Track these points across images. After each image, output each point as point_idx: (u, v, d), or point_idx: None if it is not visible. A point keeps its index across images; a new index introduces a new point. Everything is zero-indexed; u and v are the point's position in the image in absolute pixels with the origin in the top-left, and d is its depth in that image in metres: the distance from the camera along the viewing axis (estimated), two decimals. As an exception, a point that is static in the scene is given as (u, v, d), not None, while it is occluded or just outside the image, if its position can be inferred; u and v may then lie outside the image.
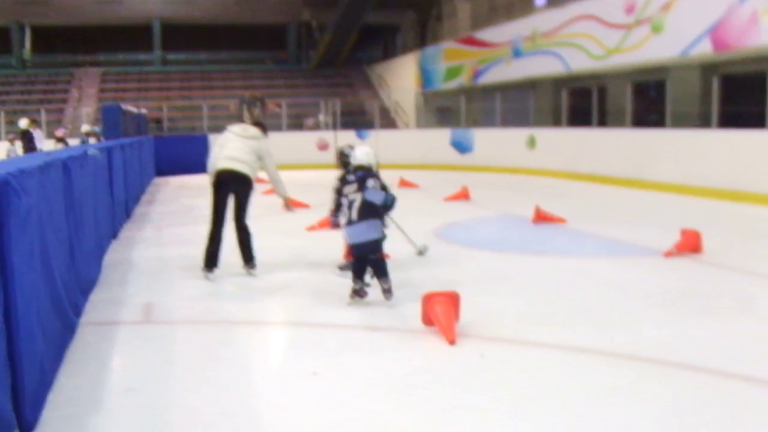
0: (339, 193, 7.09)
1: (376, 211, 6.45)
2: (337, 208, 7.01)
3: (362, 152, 6.87)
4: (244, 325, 6.18)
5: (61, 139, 19.94)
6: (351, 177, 6.64)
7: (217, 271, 7.79)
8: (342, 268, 7.68)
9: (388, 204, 6.50)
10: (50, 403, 4.32)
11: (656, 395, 4.32)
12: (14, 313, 3.82)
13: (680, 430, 3.83)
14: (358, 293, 6.47)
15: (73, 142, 19.92)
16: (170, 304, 6.87)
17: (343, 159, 8.14)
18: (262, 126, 8.29)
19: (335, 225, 7.18)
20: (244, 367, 5.09)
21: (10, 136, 20.41)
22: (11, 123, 23.21)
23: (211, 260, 7.76)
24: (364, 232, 6.42)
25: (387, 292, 6.41)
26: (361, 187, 6.49)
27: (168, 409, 4.31)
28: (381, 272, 6.44)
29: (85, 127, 22.85)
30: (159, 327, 6.20)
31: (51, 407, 4.27)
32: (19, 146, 19.06)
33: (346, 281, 6.62)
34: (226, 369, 5.02)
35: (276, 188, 8.20)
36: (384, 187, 6.55)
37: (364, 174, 6.61)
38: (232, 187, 7.77)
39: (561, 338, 5.40)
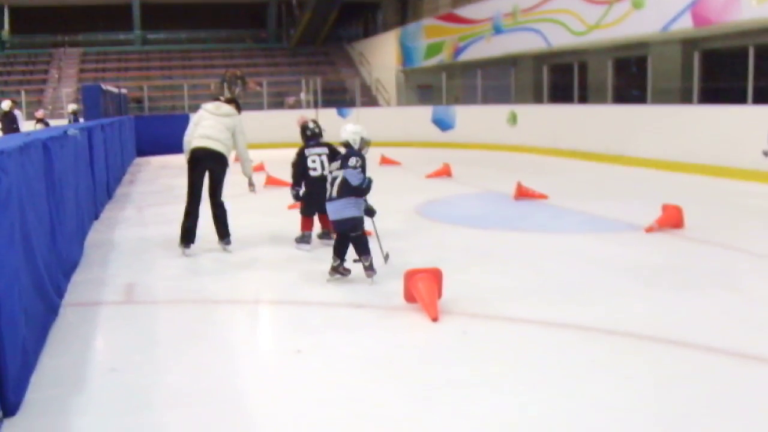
0: (296, 166, 8.10)
1: (355, 189, 6.45)
2: (296, 181, 8.03)
3: (349, 130, 6.82)
4: (226, 303, 6.18)
5: (40, 120, 19.82)
6: (338, 155, 6.71)
7: (194, 247, 7.88)
8: (298, 240, 8.03)
9: (363, 187, 6.49)
10: (33, 384, 4.32)
11: (638, 370, 4.37)
12: (-5, 295, 3.81)
13: (662, 404, 3.87)
14: (338, 270, 6.50)
15: (55, 122, 19.79)
16: (152, 284, 6.86)
17: (305, 133, 8.41)
18: (236, 103, 8.44)
19: (295, 198, 8.07)
20: (227, 346, 5.09)
21: None
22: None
23: (187, 236, 7.86)
24: (343, 208, 6.42)
25: (368, 269, 6.42)
26: (343, 165, 6.51)
27: (151, 388, 4.32)
28: (361, 250, 6.43)
29: (71, 106, 22.70)
30: (141, 307, 6.19)
31: (34, 388, 4.27)
32: None
33: (327, 256, 6.62)
34: (209, 348, 5.02)
35: (243, 167, 8.31)
36: (363, 168, 6.55)
37: (349, 152, 6.64)
38: (207, 165, 7.88)
39: (543, 314, 5.44)
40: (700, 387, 4.11)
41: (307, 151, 8.19)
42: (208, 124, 7.97)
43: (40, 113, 20.83)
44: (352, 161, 6.46)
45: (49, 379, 4.47)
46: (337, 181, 6.46)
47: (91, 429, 3.80)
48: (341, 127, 6.92)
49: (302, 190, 8.05)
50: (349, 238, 6.48)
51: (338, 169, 6.53)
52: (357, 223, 6.46)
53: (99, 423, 3.86)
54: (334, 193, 6.45)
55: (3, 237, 3.94)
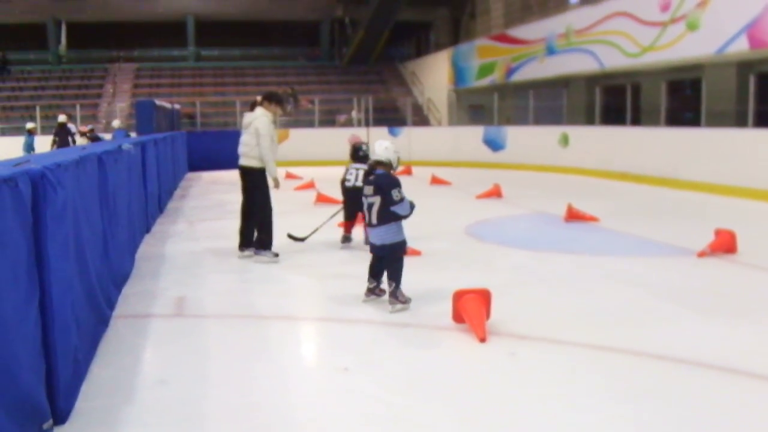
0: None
1: (394, 216, 6.24)
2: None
3: (381, 147, 6.44)
4: (275, 319, 6.20)
5: (84, 134, 19.99)
6: (371, 176, 6.39)
7: (245, 262, 8.30)
8: (291, 237, 8.89)
9: (410, 214, 6.31)
10: (83, 393, 4.38)
11: (686, 396, 4.29)
12: (50, 305, 3.88)
13: (709, 429, 3.79)
14: (374, 292, 6.46)
15: (107, 136, 20.18)
16: (202, 298, 6.92)
17: (357, 153, 9.34)
18: (269, 99, 8.55)
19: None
20: (275, 361, 5.11)
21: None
22: (47, 118, 23.50)
23: (240, 241, 8.59)
24: (386, 234, 6.25)
25: (392, 296, 6.21)
26: (380, 192, 6.22)
27: (199, 401, 4.35)
28: (395, 275, 6.23)
29: (116, 122, 23.09)
30: (191, 320, 6.24)
31: (84, 398, 4.33)
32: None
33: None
34: (257, 363, 5.05)
35: (266, 167, 8.47)
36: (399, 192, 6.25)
37: (383, 179, 6.31)
38: (242, 181, 8.55)
39: (592, 338, 5.36)
40: (751, 415, 4.01)
41: (350, 167, 9.20)
42: (240, 141, 8.46)
43: (84, 127, 20.91)
44: (395, 195, 6.15)
45: (99, 388, 4.53)
46: (375, 208, 6.23)
47: (139, 440, 3.83)
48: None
49: None
50: (385, 262, 6.35)
51: (373, 195, 6.27)
52: (400, 247, 6.32)
53: (147, 434, 3.90)
54: (374, 220, 6.25)
55: (58, 249, 4.01)
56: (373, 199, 6.25)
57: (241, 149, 8.40)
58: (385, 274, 6.35)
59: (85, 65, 35.19)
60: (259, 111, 8.38)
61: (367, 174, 6.49)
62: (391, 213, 6.18)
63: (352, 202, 8.69)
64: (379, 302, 6.45)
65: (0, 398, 2.96)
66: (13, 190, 3.42)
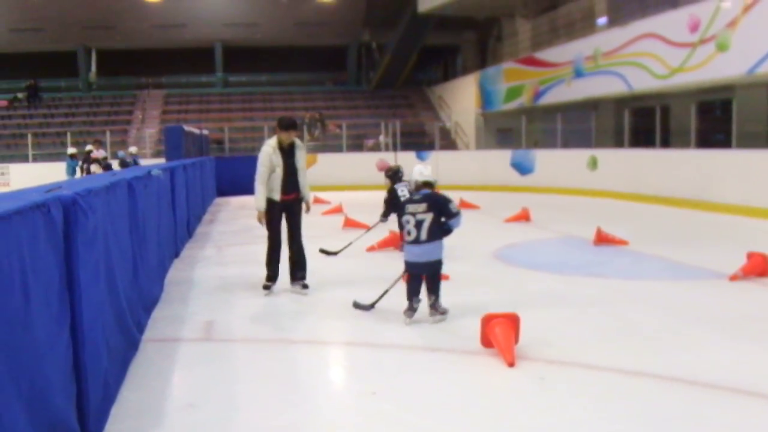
0: (389, 201, 10.22)
1: (443, 232, 6.59)
2: (385, 213, 10.31)
3: (425, 169, 6.88)
4: (303, 344, 6.21)
5: (96, 160, 19.92)
6: (416, 195, 6.72)
7: (274, 287, 8.14)
8: (357, 306, 7.19)
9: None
10: (113, 416, 4.41)
11: (719, 423, 4.23)
12: (80, 328, 3.92)
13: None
14: (411, 310, 6.59)
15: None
16: (231, 322, 6.94)
17: (397, 174, 10.59)
18: (277, 123, 7.97)
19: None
20: (303, 386, 5.11)
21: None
22: (77, 144, 23.83)
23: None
24: (433, 251, 6.53)
25: (433, 307, 6.58)
26: (434, 209, 6.52)
27: (228, 425, 4.35)
28: (436, 288, 6.60)
29: (132, 149, 23.26)
30: (219, 344, 6.27)
31: (114, 420, 4.35)
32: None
33: (402, 300, 6.60)
34: (286, 387, 5.05)
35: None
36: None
37: (436, 196, 6.65)
38: None
39: (622, 362, 5.31)
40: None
41: (396, 186, 10.35)
42: None
43: (97, 153, 20.65)
44: (453, 208, 6.55)
45: (129, 411, 4.55)
46: (426, 224, 6.47)
47: (168, 464, 3.84)
48: (412, 169, 7.05)
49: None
50: (426, 278, 6.60)
51: (425, 212, 6.51)
52: (441, 263, 6.64)
53: (175, 458, 3.91)
54: (424, 236, 6.48)
55: (89, 273, 4.05)
56: (424, 216, 6.51)
57: None
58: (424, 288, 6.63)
59: (115, 92, 35.69)
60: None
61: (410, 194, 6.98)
62: (439, 230, 6.55)
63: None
64: (410, 326, 6.44)
65: (32, 420, 2.98)
66: (46, 215, 3.47)
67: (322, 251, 9.15)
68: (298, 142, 7.99)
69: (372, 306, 7.02)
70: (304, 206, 8.10)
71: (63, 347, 3.66)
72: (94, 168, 18.95)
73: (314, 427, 4.34)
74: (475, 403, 4.62)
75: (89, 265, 4.08)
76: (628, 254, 10.18)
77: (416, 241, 6.52)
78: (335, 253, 9.19)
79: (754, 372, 5.09)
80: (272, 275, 8.08)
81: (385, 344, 6.04)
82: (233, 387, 5.07)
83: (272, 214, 7.93)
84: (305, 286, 8.05)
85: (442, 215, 6.53)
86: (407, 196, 9.29)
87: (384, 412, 4.50)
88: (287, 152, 7.85)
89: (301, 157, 7.98)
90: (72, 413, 3.71)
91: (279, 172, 7.76)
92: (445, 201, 6.60)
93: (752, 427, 4.15)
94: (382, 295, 6.99)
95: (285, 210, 7.96)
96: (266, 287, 8.03)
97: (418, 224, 6.50)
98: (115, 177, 6.04)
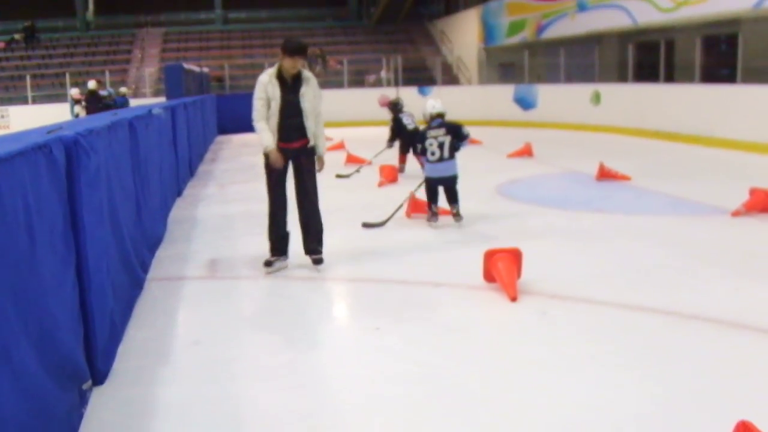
0: (394, 129, 12.20)
1: (459, 148, 8.01)
2: (391, 138, 12.37)
3: (437, 102, 8.30)
4: (307, 280, 6.25)
5: (78, 101, 19.94)
6: (434, 123, 8.06)
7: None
8: (367, 225, 8.19)
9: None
10: (120, 355, 4.47)
11: (720, 357, 4.27)
12: (86, 269, 3.95)
13: (745, 393, 3.78)
14: (436, 215, 7.96)
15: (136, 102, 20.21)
16: (234, 260, 6.98)
17: (397, 106, 12.26)
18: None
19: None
20: (307, 322, 5.16)
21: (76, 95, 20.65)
22: (77, 84, 23.65)
23: None
24: (454, 166, 7.98)
25: (457, 215, 7.90)
26: (451, 132, 7.96)
27: (233, 361, 4.41)
28: (456, 199, 7.97)
29: (123, 89, 22.91)
30: (223, 282, 6.31)
31: (121, 359, 4.41)
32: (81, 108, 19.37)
33: (405, 234, 6.64)
34: (289, 323, 5.11)
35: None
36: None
37: (451, 123, 8.12)
38: None
39: (623, 297, 5.35)
40: (788, 375, 3.99)
41: (400, 116, 12.12)
42: None
43: (75, 92, 20.65)
44: (465, 130, 8.05)
45: (136, 350, 4.61)
46: (447, 145, 7.90)
47: (176, 398, 3.90)
48: (425, 103, 8.36)
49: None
50: (447, 189, 7.98)
51: (445, 135, 7.93)
52: (458, 177, 8.03)
53: (184, 392, 3.97)
54: (447, 154, 7.92)
55: (92, 213, 4.06)
56: (444, 138, 7.93)
57: None
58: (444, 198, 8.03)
59: (113, 31, 35.20)
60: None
61: (428, 122, 8.20)
62: (455, 148, 7.97)
63: (408, 141, 11.32)
64: (412, 263, 6.47)
65: (42, 359, 3.02)
66: (48, 156, 3.47)
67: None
68: (306, 74, 6.33)
69: (383, 224, 8.05)
70: (317, 162, 6.43)
71: (69, 288, 3.69)
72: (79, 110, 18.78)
73: (319, 362, 4.40)
74: (477, 338, 4.67)
75: (93, 205, 4.09)
76: (631, 189, 10.18)
77: (440, 159, 7.90)
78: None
79: (755, 307, 5.11)
80: (275, 247, 6.49)
81: (388, 280, 6.09)
82: (238, 324, 5.12)
83: (271, 166, 6.31)
84: (317, 261, 6.49)
85: (457, 137, 7.95)
86: (412, 124, 11.90)
87: (387, 347, 4.56)
88: (289, 86, 6.21)
89: (310, 95, 6.26)
90: (80, 352, 3.76)
91: (274, 108, 6.16)
92: (459, 125, 8.11)
93: (753, 361, 4.19)
94: (393, 213, 8.23)
95: (292, 162, 6.35)
96: (267, 263, 6.41)
97: (441, 145, 7.91)
98: (116, 117, 6.01)
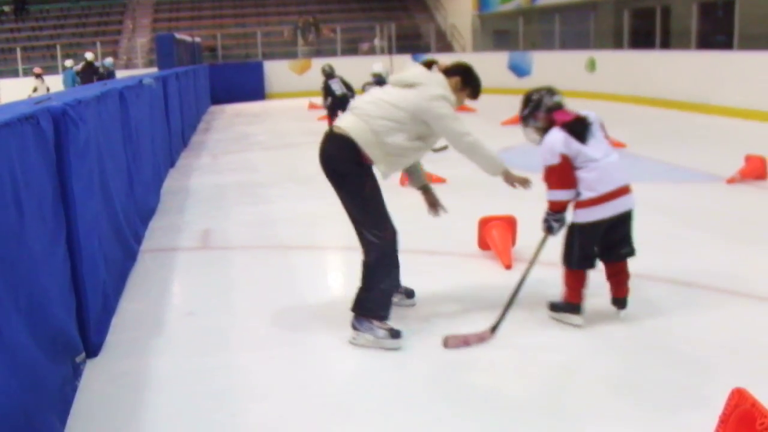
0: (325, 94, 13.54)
1: None
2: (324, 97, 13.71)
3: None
4: (300, 250, 6.23)
5: (39, 75, 19.78)
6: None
7: (272, 197, 7.98)
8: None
9: None
10: (114, 327, 4.46)
11: (716, 324, 4.28)
12: (77, 241, 3.92)
13: (742, 358, 3.79)
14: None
15: (129, 73, 20.04)
16: (227, 230, 6.96)
17: (325, 72, 14.06)
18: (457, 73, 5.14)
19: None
20: (301, 292, 5.15)
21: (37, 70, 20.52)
22: (68, 56, 23.45)
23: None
24: None
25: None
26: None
27: (227, 331, 4.41)
28: None
29: (109, 60, 22.66)
30: (217, 252, 6.30)
31: (114, 331, 4.40)
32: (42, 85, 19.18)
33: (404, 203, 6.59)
34: (283, 293, 5.09)
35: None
36: None
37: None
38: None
39: (619, 264, 5.33)
40: (783, 341, 4.00)
41: (330, 82, 13.41)
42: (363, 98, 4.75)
43: (37, 69, 20.50)
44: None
45: (129, 321, 4.60)
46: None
47: (170, 369, 3.90)
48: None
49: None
50: None
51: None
52: None
53: (178, 363, 3.97)
54: None
55: (82, 184, 4.02)
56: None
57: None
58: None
59: (104, 1, 34.77)
60: (434, 78, 4.82)
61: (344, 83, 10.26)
62: None
63: (336, 105, 12.98)
64: (406, 232, 6.42)
65: (33, 332, 3.00)
66: (35, 127, 3.42)
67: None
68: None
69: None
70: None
71: (60, 260, 3.66)
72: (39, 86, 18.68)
73: (313, 331, 4.39)
74: (472, 306, 4.67)
75: (82, 176, 4.05)
76: (626, 157, 10.09)
77: None
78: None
79: (749, 274, 5.12)
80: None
81: (382, 250, 6.05)
82: (231, 294, 5.11)
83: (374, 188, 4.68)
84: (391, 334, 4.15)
85: None
86: (339, 90, 13.25)
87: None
88: None
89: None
90: (72, 325, 3.74)
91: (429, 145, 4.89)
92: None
93: (749, 329, 4.19)
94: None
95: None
96: (394, 334, 4.11)
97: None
98: (105, 87, 5.95)
